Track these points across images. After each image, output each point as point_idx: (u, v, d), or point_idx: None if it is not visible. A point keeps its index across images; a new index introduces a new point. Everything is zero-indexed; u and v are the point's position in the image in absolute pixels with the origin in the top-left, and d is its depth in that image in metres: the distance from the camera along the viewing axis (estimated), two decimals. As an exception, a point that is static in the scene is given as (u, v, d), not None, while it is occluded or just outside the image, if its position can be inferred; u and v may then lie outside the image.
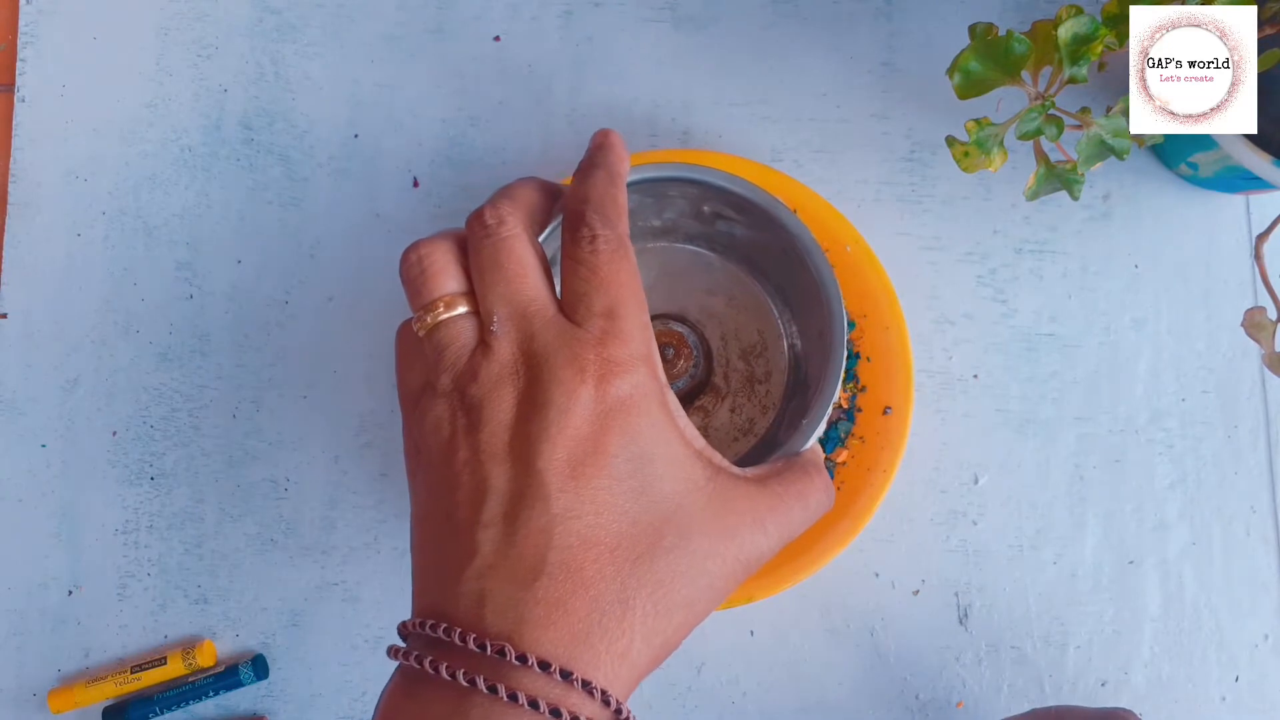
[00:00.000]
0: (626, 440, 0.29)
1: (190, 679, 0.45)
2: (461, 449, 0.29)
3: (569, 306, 0.30)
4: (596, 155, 0.33)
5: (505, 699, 0.26)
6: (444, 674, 0.27)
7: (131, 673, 0.45)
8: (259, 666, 0.45)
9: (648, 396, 0.29)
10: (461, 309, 0.30)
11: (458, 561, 0.28)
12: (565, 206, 0.32)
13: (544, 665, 0.26)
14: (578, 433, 0.28)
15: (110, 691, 0.45)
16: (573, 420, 0.28)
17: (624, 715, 0.28)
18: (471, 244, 0.31)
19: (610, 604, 0.27)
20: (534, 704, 0.26)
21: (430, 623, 0.28)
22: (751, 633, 0.45)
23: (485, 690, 0.26)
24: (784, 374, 0.44)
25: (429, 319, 0.30)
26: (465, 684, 0.26)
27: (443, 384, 0.30)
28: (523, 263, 0.30)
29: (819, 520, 0.43)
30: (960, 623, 0.45)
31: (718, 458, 0.31)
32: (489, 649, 0.27)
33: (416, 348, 0.31)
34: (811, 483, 0.33)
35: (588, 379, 0.28)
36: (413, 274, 0.31)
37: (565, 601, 0.27)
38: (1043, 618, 0.45)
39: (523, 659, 0.26)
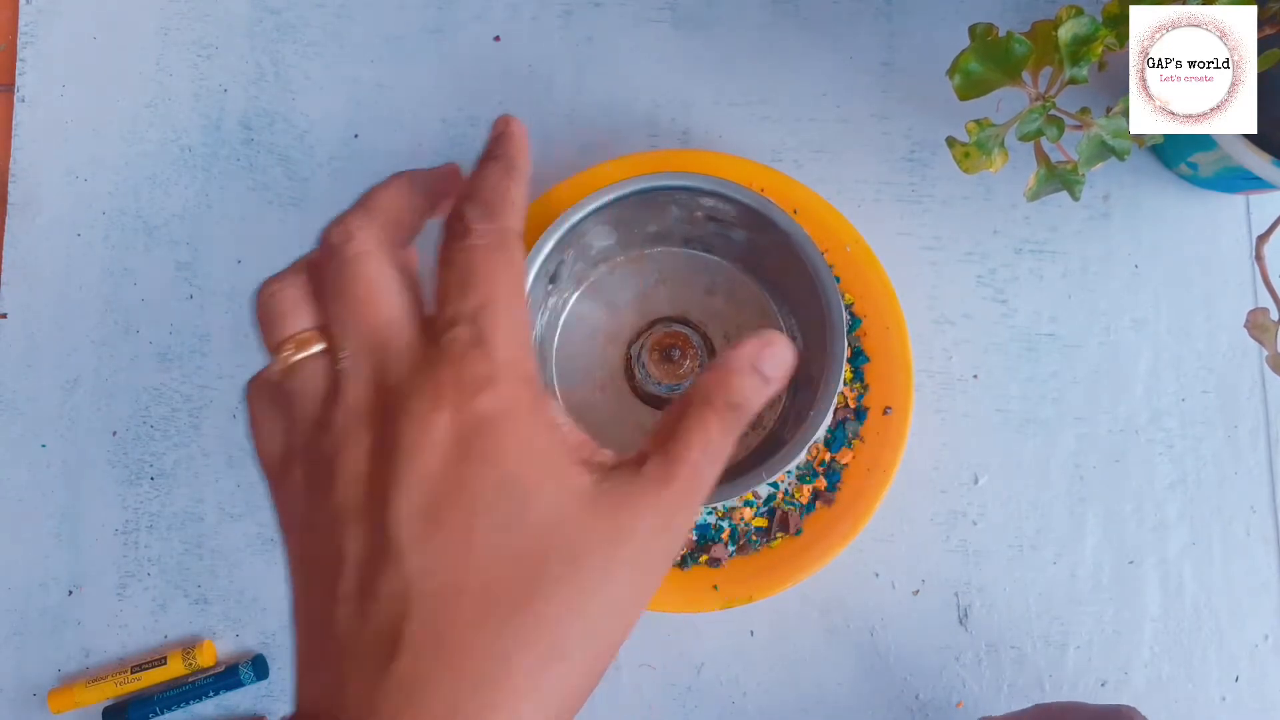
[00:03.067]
0: (491, 465, 0.24)
1: (190, 679, 0.45)
2: (318, 513, 0.25)
3: (434, 319, 0.26)
4: (494, 146, 0.29)
5: None
6: None
7: (131, 673, 0.45)
8: (259, 666, 0.45)
9: (516, 407, 0.25)
10: (316, 348, 0.26)
11: (320, 647, 0.24)
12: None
13: None
14: (431, 472, 0.24)
15: (110, 691, 0.45)
16: (424, 458, 0.24)
17: None
18: (320, 270, 0.27)
19: (483, 673, 0.23)
20: None
21: None
22: (751, 633, 0.45)
23: None
24: None
25: (277, 364, 0.26)
26: None
27: (295, 441, 0.26)
28: (372, 285, 0.26)
29: (818, 521, 0.43)
30: (960, 623, 0.45)
31: (605, 454, 0.26)
32: None
33: (272, 402, 0.27)
34: (691, 442, 0.26)
35: (443, 405, 0.24)
36: (260, 313, 0.26)
37: (426, 680, 0.23)
38: (1043, 618, 0.45)
39: None
